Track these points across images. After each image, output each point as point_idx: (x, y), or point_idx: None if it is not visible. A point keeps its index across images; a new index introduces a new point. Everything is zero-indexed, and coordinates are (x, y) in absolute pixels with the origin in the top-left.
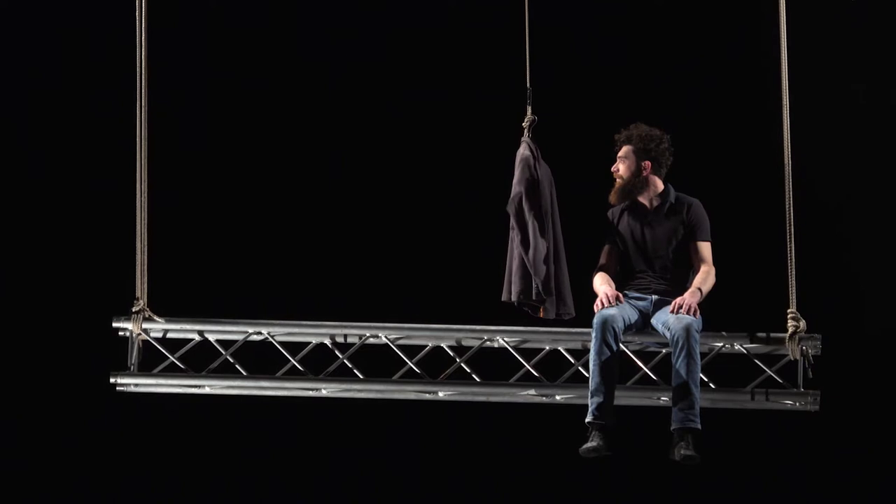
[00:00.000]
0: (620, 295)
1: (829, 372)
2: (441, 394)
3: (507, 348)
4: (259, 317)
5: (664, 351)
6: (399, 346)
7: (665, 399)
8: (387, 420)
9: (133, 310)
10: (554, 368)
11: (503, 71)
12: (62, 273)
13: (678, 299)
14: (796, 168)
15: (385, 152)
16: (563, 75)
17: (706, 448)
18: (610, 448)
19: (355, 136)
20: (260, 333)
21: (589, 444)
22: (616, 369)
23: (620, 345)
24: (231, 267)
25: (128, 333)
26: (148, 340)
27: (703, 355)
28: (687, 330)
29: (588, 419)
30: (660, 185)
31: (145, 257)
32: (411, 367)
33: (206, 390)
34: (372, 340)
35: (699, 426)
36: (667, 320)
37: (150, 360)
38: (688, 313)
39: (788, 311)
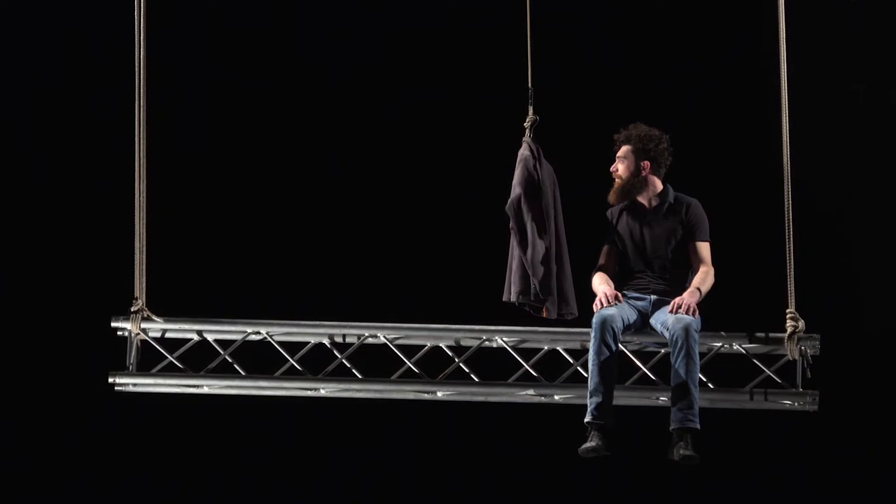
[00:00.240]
0: (619, 294)
1: (828, 372)
2: (440, 394)
3: (505, 348)
4: (257, 317)
5: (663, 351)
6: (398, 346)
7: (664, 399)
8: (385, 420)
9: (132, 309)
10: (553, 368)
11: (504, 71)
12: (61, 273)
13: (677, 299)
14: (795, 168)
15: (385, 152)
16: (564, 76)
17: (705, 448)
18: (609, 448)
19: (355, 137)
20: (258, 333)
21: (588, 444)
22: (615, 369)
23: (619, 345)
24: (230, 267)
25: (126, 333)
26: (146, 340)
27: (701, 355)
28: (686, 330)
29: (587, 419)
30: (659, 185)
31: (144, 257)
32: (410, 367)
33: (205, 390)
34: (370, 340)
35: (698, 426)
36: (666, 320)
37: (149, 359)
38: (687, 313)
39: (787, 311)
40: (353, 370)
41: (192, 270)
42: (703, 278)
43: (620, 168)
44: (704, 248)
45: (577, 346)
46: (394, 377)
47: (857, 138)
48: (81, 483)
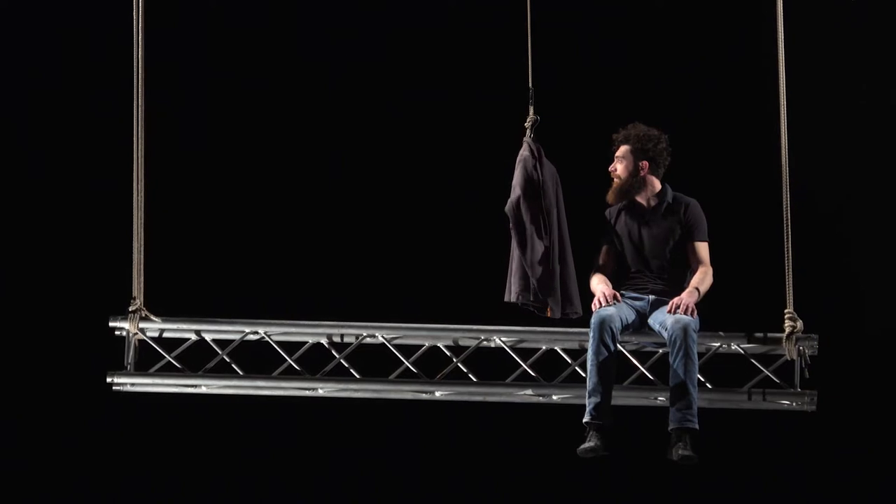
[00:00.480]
0: (618, 294)
1: (826, 372)
2: (438, 393)
3: (503, 348)
4: (255, 316)
5: (661, 351)
6: (396, 346)
7: (662, 399)
8: (383, 420)
9: (130, 309)
10: (551, 368)
11: (505, 71)
12: (59, 272)
13: (675, 299)
14: (794, 168)
15: (384, 152)
16: (564, 76)
17: (703, 448)
18: (607, 448)
19: (354, 136)
20: (256, 333)
21: (586, 445)
22: (613, 369)
23: (618, 345)
24: (228, 266)
25: (124, 333)
26: (144, 340)
27: (700, 355)
28: (684, 330)
29: (585, 419)
30: (657, 185)
31: (142, 257)
32: (408, 367)
33: (203, 390)
34: (368, 340)
35: (697, 426)
36: (664, 320)
37: (147, 359)
38: (685, 313)
39: (785, 311)
40: (351, 370)
41: (190, 270)
42: (702, 278)
43: (619, 168)
44: (703, 248)
45: (575, 346)
46: (392, 377)
47: (857, 138)
48: (80, 483)
